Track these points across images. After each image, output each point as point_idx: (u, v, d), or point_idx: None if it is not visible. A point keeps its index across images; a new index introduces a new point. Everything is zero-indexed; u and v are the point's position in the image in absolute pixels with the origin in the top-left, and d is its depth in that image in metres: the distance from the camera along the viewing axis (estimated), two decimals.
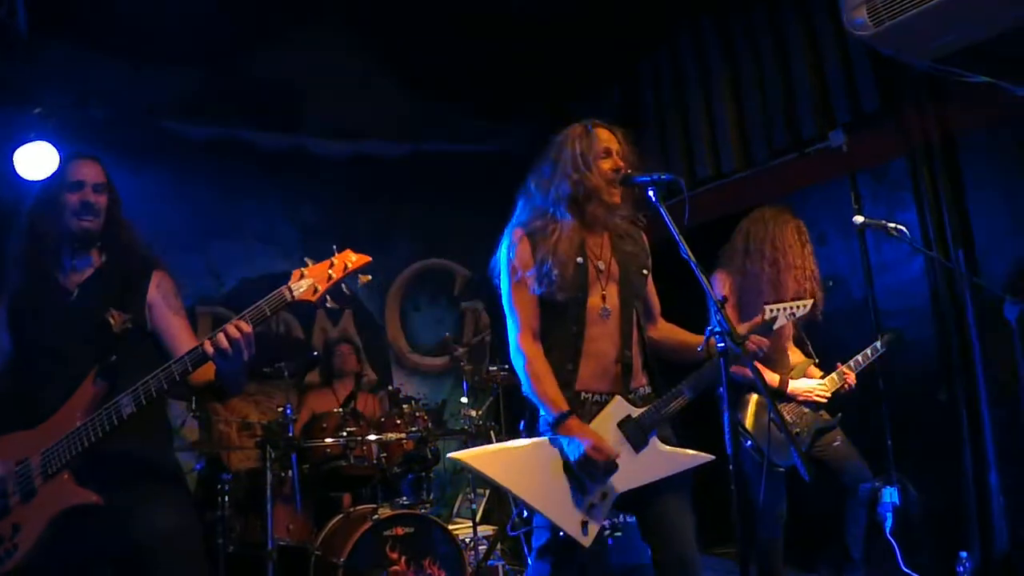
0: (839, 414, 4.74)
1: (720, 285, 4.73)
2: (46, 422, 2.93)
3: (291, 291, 2.80)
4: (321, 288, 2.80)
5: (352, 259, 2.85)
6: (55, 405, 2.94)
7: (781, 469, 4.51)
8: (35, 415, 2.97)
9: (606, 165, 3.38)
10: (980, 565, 5.03)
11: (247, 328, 2.77)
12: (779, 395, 4.63)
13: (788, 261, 4.71)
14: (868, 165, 5.95)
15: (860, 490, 4.68)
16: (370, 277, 2.88)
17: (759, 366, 4.53)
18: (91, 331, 3.06)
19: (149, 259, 3.32)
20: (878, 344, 4.86)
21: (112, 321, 3.07)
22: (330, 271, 2.82)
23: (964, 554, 4.89)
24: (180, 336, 3.20)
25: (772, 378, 4.64)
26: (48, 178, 3.34)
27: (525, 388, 3.28)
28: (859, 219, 4.80)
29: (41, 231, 3.21)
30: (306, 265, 2.85)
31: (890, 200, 5.80)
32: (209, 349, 2.76)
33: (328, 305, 2.85)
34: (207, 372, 2.95)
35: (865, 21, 4.89)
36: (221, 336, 2.75)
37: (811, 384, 4.67)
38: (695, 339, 3.47)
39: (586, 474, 3.13)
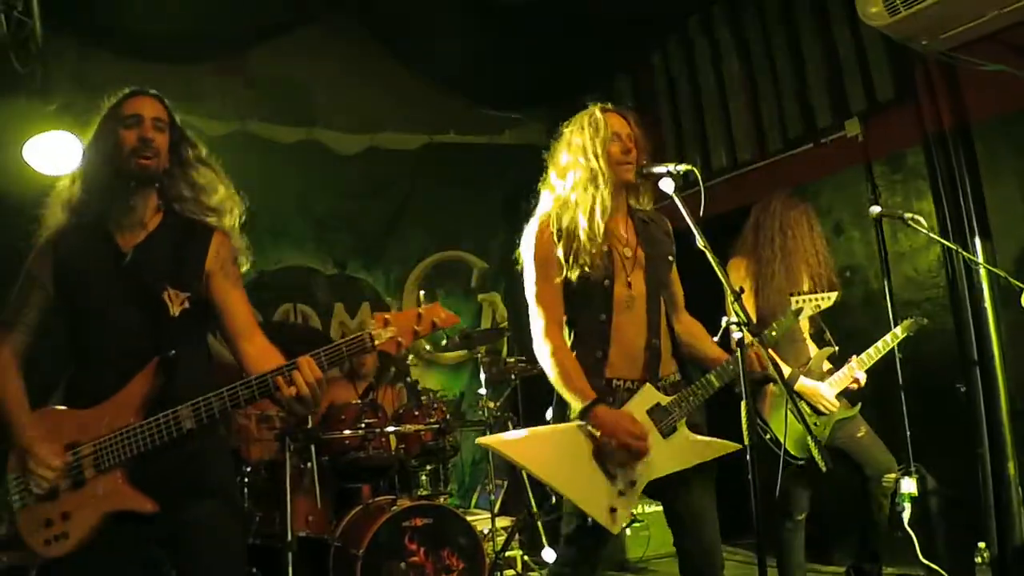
0: (859, 403, 4.74)
1: (736, 272, 4.74)
2: (97, 407, 2.83)
3: (372, 339, 2.70)
4: (404, 343, 2.71)
5: (441, 316, 2.77)
6: (104, 386, 2.85)
7: (801, 463, 4.51)
8: (81, 388, 2.91)
9: (615, 148, 3.37)
10: (998, 556, 5.03)
11: (318, 373, 2.66)
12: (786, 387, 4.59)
13: (797, 245, 4.72)
14: (884, 154, 5.94)
15: (884, 481, 4.67)
16: (457, 338, 2.79)
17: (775, 357, 4.54)
18: (146, 308, 2.93)
19: (215, 214, 3.16)
20: (898, 330, 4.85)
21: (169, 303, 2.93)
22: (416, 327, 2.73)
23: (982, 544, 4.89)
24: (237, 312, 3.06)
25: (783, 371, 4.60)
26: (102, 117, 3.09)
27: (552, 379, 3.26)
28: (875, 209, 4.79)
29: (94, 172, 3.02)
30: (389, 309, 2.74)
31: (906, 189, 5.79)
32: (284, 388, 2.65)
33: (409, 362, 2.77)
34: None
35: (879, 10, 4.89)
36: (298, 377, 2.64)
37: (819, 390, 4.61)
38: (712, 351, 3.50)
39: (622, 459, 3.12)
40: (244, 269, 3.24)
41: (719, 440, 3.32)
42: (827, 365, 4.74)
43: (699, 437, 3.32)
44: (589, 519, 3.13)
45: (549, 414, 3.44)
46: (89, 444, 2.81)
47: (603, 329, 3.32)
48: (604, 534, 3.18)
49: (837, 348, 4.78)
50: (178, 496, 2.85)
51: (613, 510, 3.13)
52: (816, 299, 3.75)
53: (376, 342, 2.68)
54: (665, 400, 3.28)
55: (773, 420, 4.52)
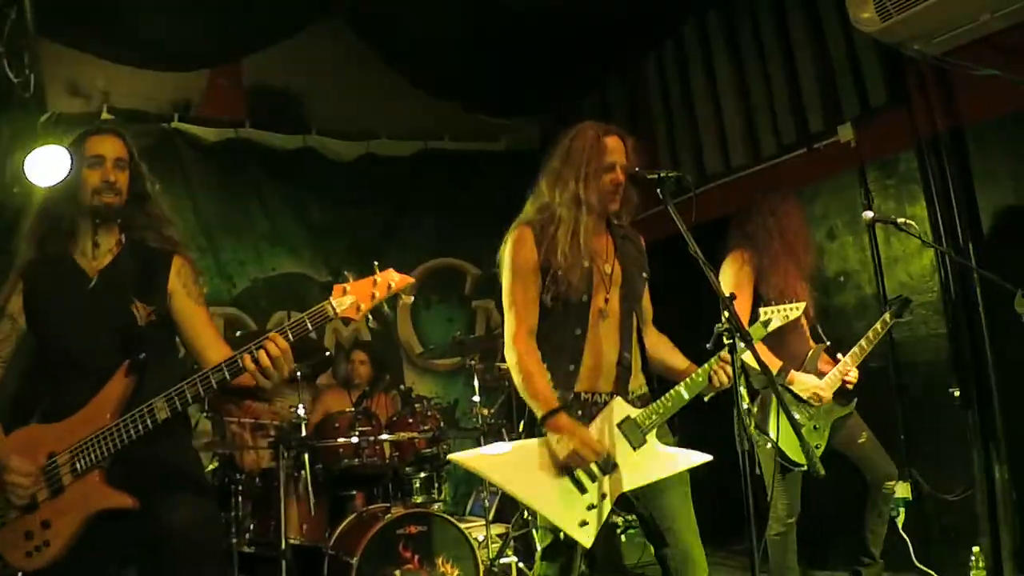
0: (855, 399, 4.74)
1: (735, 264, 4.79)
2: (73, 417, 2.91)
3: (333, 307, 2.82)
4: (364, 306, 2.83)
5: (395, 279, 2.88)
6: (80, 398, 2.93)
7: (803, 467, 4.51)
8: (58, 406, 2.96)
9: (607, 179, 3.38)
10: (992, 560, 5.02)
11: (285, 345, 2.78)
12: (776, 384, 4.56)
13: (793, 229, 4.81)
14: (877, 159, 5.94)
15: (885, 488, 4.66)
16: (412, 298, 2.90)
17: (765, 352, 4.54)
18: (114, 321, 3.04)
19: (170, 243, 3.28)
20: (887, 316, 4.84)
21: (137, 314, 3.06)
22: (373, 290, 2.84)
23: (976, 549, 4.89)
24: (201, 327, 3.20)
25: (774, 364, 4.60)
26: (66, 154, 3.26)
27: (516, 384, 3.27)
28: (868, 214, 4.78)
29: (58, 209, 3.16)
30: (347, 280, 2.87)
31: (899, 194, 5.78)
32: (249, 365, 2.76)
33: (370, 325, 2.88)
34: (242, 377, 2.92)
35: (871, 15, 4.90)
36: (262, 354, 2.75)
37: (813, 382, 4.64)
38: (681, 363, 3.51)
39: (576, 469, 3.12)
40: (205, 291, 3.38)
41: (690, 451, 3.33)
42: (824, 361, 4.76)
43: (670, 449, 3.33)
44: (561, 533, 3.14)
45: (522, 426, 3.44)
46: (65, 452, 2.86)
47: (577, 343, 3.33)
48: (578, 546, 3.19)
49: (829, 343, 4.79)
50: (156, 495, 2.92)
51: (584, 523, 3.13)
52: (784, 310, 3.73)
53: (338, 309, 2.81)
54: (635, 413, 3.28)
55: (773, 427, 4.51)
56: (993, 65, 4.96)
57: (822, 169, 6.27)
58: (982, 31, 4.92)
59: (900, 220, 4.66)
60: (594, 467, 3.14)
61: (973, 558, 4.84)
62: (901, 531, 5.26)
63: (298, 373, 5.84)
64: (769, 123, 6.66)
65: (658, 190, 3.28)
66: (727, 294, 3.02)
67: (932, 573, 5.18)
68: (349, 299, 2.81)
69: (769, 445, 4.50)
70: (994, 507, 5.15)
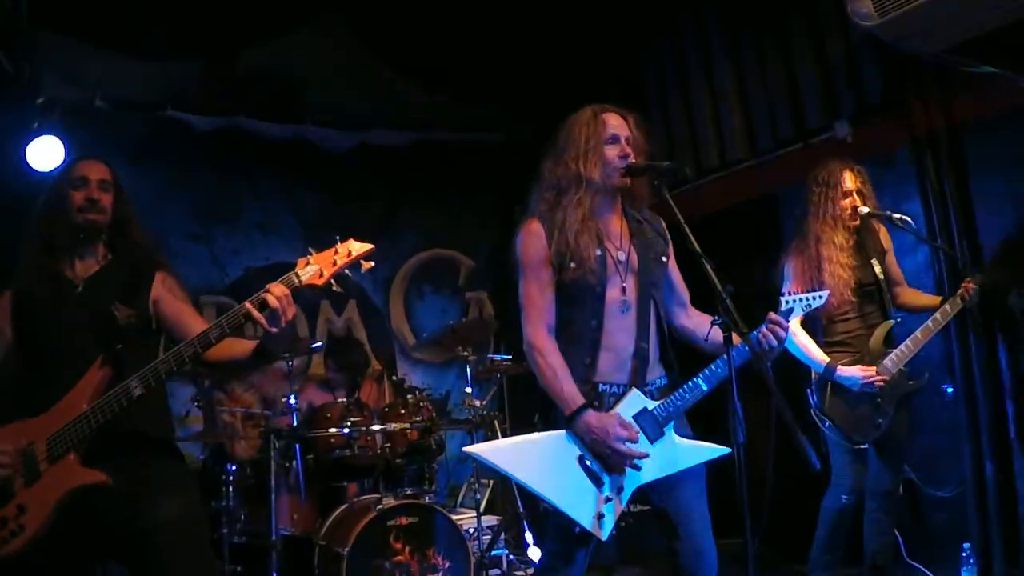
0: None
1: (793, 270, 4.71)
2: (51, 409, 2.97)
3: (298, 276, 2.93)
4: (327, 273, 2.93)
5: (356, 247, 2.97)
6: (60, 394, 2.99)
7: (864, 447, 4.47)
8: (41, 403, 3.02)
9: (612, 152, 3.32)
10: (983, 557, 5.03)
11: (285, 291, 2.89)
12: (826, 378, 4.53)
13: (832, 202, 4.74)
14: (873, 155, 5.92)
15: (883, 496, 4.63)
16: (373, 264, 3.01)
17: (802, 343, 4.52)
18: (97, 324, 3.13)
19: (154, 259, 3.40)
20: (973, 281, 4.67)
21: (117, 314, 3.14)
22: (335, 258, 2.94)
23: (967, 545, 4.88)
24: (193, 322, 3.26)
25: (820, 357, 4.55)
26: (54, 177, 3.43)
27: (540, 383, 3.24)
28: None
29: (47, 227, 3.29)
30: (310, 254, 2.97)
31: (895, 191, 5.76)
32: (255, 313, 2.86)
33: (335, 289, 2.99)
34: (230, 349, 3.08)
35: (869, 11, 4.88)
36: (269, 296, 2.86)
37: (859, 373, 4.48)
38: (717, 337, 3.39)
39: (615, 463, 3.11)
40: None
41: (708, 444, 3.29)
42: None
43: (688, 441, 3.29)
44: (577, 526, 3.11)
45: (536, 419, 3.41)
46: (42, 440, 2.94)
47: (593, 335, 3.27)
48: (591, 539, 3.16)
49: (898, 320, 4.69)
50: (138, 485, 3.00)
51: (600, 516, 3.11)
52: (807, 297, 3.51)
53: (303, 278, 2.94)
54: (652, 405, 3.24)
55: (831, 409, 4.48)
56: (991, 63, 4.95)
57: (819, 164, 6.24)
58: (980, 28, 4.91)
59: (895, 216, 4.64)
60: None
61: (964, 554, 4.84)
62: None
63: (289, 363, 5.84)
64: (766, 118, 6.63)
65: (654, 182, 3.26)
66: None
67: (922, 569, 5.18)
68: (313, 268, 2.93)
69: (827, 425, 4.47)
70: (985, 504, 5.16)
